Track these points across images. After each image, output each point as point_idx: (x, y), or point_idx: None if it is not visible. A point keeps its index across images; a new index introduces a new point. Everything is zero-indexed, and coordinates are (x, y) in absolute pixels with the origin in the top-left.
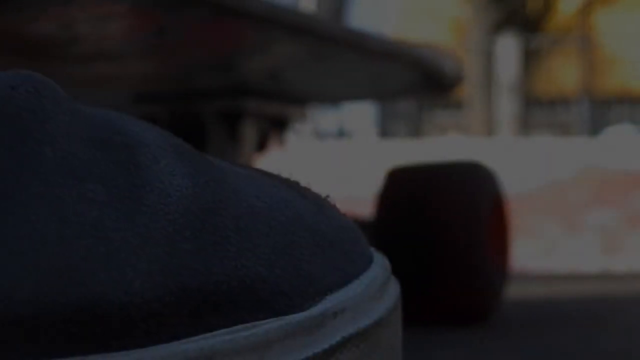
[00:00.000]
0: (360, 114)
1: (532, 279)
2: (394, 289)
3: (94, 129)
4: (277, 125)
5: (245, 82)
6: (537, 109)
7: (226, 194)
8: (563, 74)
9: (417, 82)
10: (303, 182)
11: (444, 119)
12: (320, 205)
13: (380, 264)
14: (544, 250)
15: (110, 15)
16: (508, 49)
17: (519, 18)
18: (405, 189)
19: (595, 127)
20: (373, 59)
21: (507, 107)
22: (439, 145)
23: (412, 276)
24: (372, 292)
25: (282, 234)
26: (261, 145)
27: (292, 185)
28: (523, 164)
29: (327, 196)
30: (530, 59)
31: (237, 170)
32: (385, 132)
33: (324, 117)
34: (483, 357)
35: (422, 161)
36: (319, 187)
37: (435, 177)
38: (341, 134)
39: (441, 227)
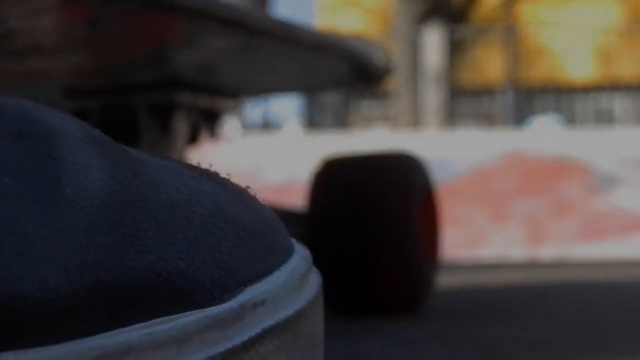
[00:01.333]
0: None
1: (459, 268)
2: (315, 280)
3: (8, 120)
4: (209, 119)
5: (178, 75)
6: (463, 100)
7: (145, 186)
8: (488, 64)
9: (347, 74)
10: (224, 174)
11: (370, 110)
12: (241, 196)
13: (301, 255)
14: (471, 239)
15: (42, 9)
16: (434, 39)
17: (444, 9)
18: (339, 179)
19: (520, 117)
20: (304, 51)
21: (433, 97)
22: (365, 137)
23: (345, 265)
24: (293, 284)
25: (201, 226)
26: (193, 139)
27: (212, 177)
28: (449, 154)
29: (248, 187)
30: (455, 49)
31: (156, 162)
32: (311, 123)
33: (250, 109)
34: (408, 347)
35: (354, 152)
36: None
37: (367, 168)
38: (267, 125)
39: (374, 217)
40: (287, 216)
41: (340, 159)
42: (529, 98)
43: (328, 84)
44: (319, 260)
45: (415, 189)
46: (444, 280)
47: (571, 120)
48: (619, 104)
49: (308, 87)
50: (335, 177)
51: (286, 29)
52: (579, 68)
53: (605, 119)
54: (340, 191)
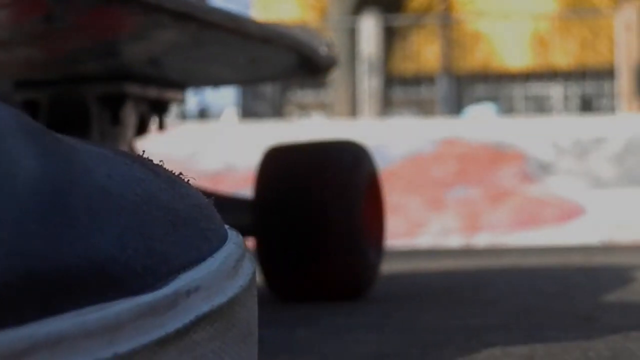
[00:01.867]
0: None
1: (396, 255)
2: (248, 266)
3: None
4: (157, 109)
5: (127, 67)
6: (399, 87)
7: (77, 173)
8: (424, 52)
9: (294, 65)
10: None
11: (306, 98)
12: (173, 183)
13: (234, 241)
14: (408, 226)
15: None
16: (369, 28)
17: None
18: (284, 167)
19: (456, 105)
20: (252, 43)
21: (369, 85)
22: (301, 125)
23: (291, 252)
24: (226, 270)
25: (134, 213)
26: (142, 129)
27: (144, 164)
28: (385, 142)
29: (181, 174)
30: (391, 37)
31: (88, 149)
32: (247, 111)
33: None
34: (344, 334)
35: (300, 140)
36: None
37: (313, 155)
38: (203, 114)
39: (319, 205)
40: (233, 203)
41: (286, 147)
42: (465, 85)
43: (275, 75)
44: (265, 247)
45: (359, 176)
46: (382, 268)
47: (507, 107)
48: (554, 91)
49: (255, 78)
50: (281, 164)
51: (235, 21)
52: (515, 55)
53: (540, 106)
54: (285, 178)
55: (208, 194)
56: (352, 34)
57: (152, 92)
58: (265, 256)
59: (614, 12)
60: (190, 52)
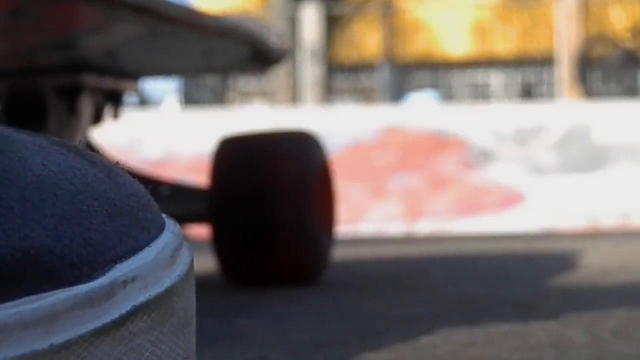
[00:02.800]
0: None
1: (338, 243)
2: (186, 255)
3: None
4: (112, 99)
5: (84, 58)
6: (340, 75)
7: (11, 163)
8: (365, 40)
9: (246, 56)
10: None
11: (248, 86)
12: (110, 172)
13: (172, 230)
14: (350, 214)
15: None
16: (310, 15)
17: None
18: (239, 156)
19: (397, 93)
20: (206, 35)
21: (310, 73)
22: (243, 113)
23: (246, 239)
24: (164, 260)
25: (69, 202)
26: (97, 118)
27: (80, 153)
28: (327, 130)
29: (118, 163)
30: (332, 25)
31: (23, 138)
32: (189, 99)
33: None
34: (284, 323)
35: (255, 130)
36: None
37: (267, 145)
38: (143, 102)
39: (272, 193)
40: (190, 192)
41: (241, 137)
42: (406, 73)
43: (227, 66)
44: (220, 233)
45: (312, 165)
46: None
47: (447, 95)
48: (495, 79)
49: (208, 69)
50: (236, 154)
51: (190, 15)
52: (455, 43)
53: (481, 93)
54: (240, 167)
55: (163, 183)
56: (293, 22)
57: (108, 83)
58: (220, 242)
59: (553, 0)
60: (146, 44)
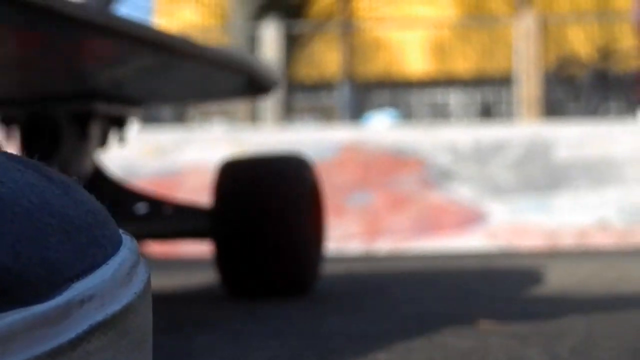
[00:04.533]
0: None
1: None
2: (142, 272)
3: None
4: (118, 124)
5: (95, 87)
6: (300, 94)
7: None
8: (325, 59)
9: (242, 86)
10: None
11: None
12: (68, 188)
13: (129, 247)
14: None
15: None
16: (270, 34)
17: (281, 3)
18: (237, 179)
19: (357, 111)
20: (208, 66)
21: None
22: (203, 131)
23: (245, 254)
24: (120, 277)
25: (27, 220)
26: (103, 142)
27: (38, 169)
28: (287, 149)
29: (75, 179)
30: (292, 44)
31: None
32: (149, 117)
33: None
34: (241, 340)
35: (252, 154)
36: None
37: (262, 169)
38: None
39: (269, 212)
40: (194, 212)
41: (238, 161)
42: (366, 92)
43: (225, 94)
44: (222, 249)
45: (306, 186)
46: None
47: (407, 114)
48: (454, 98)
49: (207, 97)
50: (234, 177)
51: (196, 49)
52: (415, 62)
53: (440, 112)
54: (238, 189)
55: (167, 202)
56: (253, 41)
57: (115, 110)
58: (222, 257)
59: (512, 20)
60: (152, 74)
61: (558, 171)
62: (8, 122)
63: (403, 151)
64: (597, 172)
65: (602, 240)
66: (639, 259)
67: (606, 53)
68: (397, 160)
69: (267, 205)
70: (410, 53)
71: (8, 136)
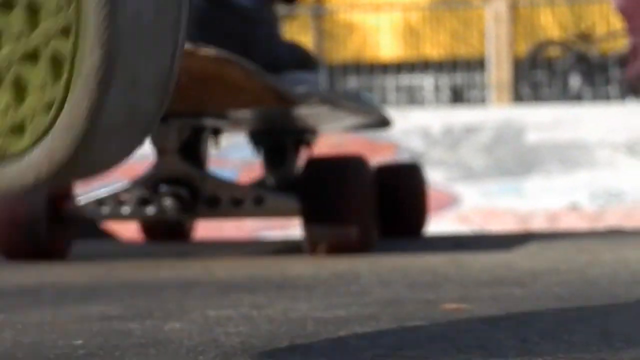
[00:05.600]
0: None
1: (266, 246)
2: None
3: None
4: (306, 145)
5: (302, 126)
6: None
7: None
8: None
9: (375, 122)
10: None
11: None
12: None
13: None
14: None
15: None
16: None
17: None
18: (320, 173)
19: None
20: (355, 113)
21: None
22: None
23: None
24: None
25: None
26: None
27: None
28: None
29: None
30: None
31: None
32: None
33: None
34: (212, 327)
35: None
36: None
37: (338, 165)
38: None
39: (343, 196)
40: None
41: (321, 158)
42: (338, 76)
43: (361, 126)
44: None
45: (368, 177)
46: (252, 259)
47: (379, 98)
48: (426, 82)
49: (349, 128)
50: (318, 172)
51: (349, 103)
52: (387, 46)
53: (412, 97)
54: (321, 180)
55: (247, 185)
56: None
57: (307, 137)
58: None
59: (484, 4)
60: (323, 116)
61: (529, 155)
62: (257, 145)
63: (375, 136)
64: (568, 156)
65: (573, 223)
66: (609, 241)
67: (586, 36)
68: (369, 145)
69: (339, 190)
70: (383, 37)
71: (258, 152)
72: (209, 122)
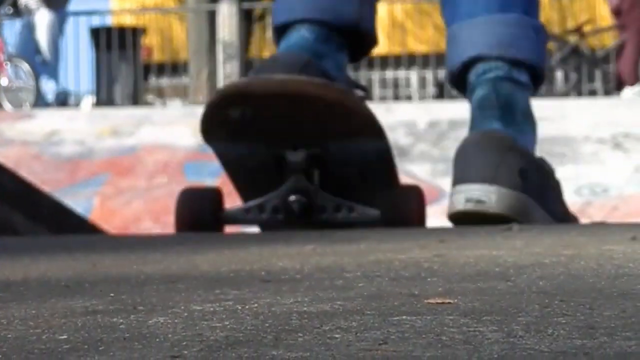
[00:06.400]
0: (81, 81)
1: (251, 239)
2: None
3: None
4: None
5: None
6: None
7: None
8: None
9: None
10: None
11: (164, 84)
12: None
13: None
14: None
15: None
16: (228, 12)
17: None
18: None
19: None
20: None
21: (228, 71)
22: (158, 111)
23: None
24: None
25: None
26: None
27: None
28: None
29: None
30: (251, 22)
31: None
32: (102, 98)
33: (45, 85)
34: (197, 321)
35: None
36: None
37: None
38: (63, 102)
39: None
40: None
41: None
42: None
43: None
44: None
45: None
46: (235, 253)
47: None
48: (411, 76)
49: None
50: None
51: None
52: None
53: (397, 91)
54: None
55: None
56: (211, 19)
57: None
58: None
59: None
60: None
61: None
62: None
63: None
64: (554, 151)
65: None
66: (594, 236)
67: (580, 30)
68: None
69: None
70: None
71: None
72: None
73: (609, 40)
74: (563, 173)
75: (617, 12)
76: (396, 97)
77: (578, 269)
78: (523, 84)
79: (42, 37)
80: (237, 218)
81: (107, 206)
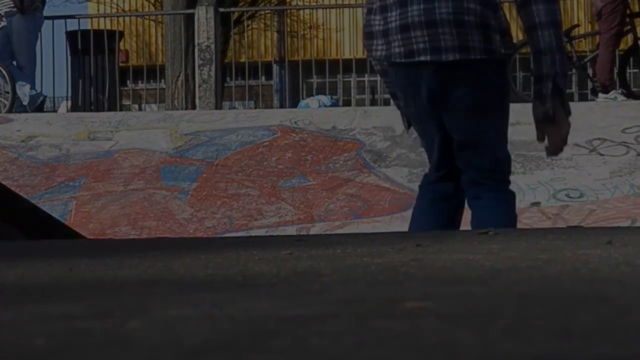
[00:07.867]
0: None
1: (229, 244)
2: None
3: None
4: None
5: None
6: (236, 77)
7: None
8: (261, 42)
9: None
10: None
11: (141, 88)
12: None
13: None
14: (244, 215)
15: None
16: (205, 17)
17: None
18: None
19: (293, 94)
20: None
21: (206, 75)
22: (135, 115)
23: None
24: None
25: None
26: None
27: None
28: (221, 131)
29: None
30: (228, 27)
31: None
32: (79, 102)
33: (20, 90)
34: (174, 325)
35: None
36: (17, 154)
37: None
38: (40, 107)
39: None
40: None
41: None
42: (302, 76)
43: None
44: None
45: None
46: (212, 258)
47: (343, 97)
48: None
49: None
50: None
51: None
52: (350, 45)
53: (375, 96)
54: None
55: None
56: (188, 24)
57: None
58: None
59: None
60: None
61: None
62: None
63: (339, 134)
64: (530, 155)
65: (535, 223)
66: (569, 240)
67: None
68: (332, 143)
69: None
70: (346, 35)
71: None
72: None
73: (584, 46)
74: (540, 177)
75: (598, 16)
76: (373, 102)
77: (554, 272)
78: None
79: (18, 42)
80: None
81: (83, 210)
